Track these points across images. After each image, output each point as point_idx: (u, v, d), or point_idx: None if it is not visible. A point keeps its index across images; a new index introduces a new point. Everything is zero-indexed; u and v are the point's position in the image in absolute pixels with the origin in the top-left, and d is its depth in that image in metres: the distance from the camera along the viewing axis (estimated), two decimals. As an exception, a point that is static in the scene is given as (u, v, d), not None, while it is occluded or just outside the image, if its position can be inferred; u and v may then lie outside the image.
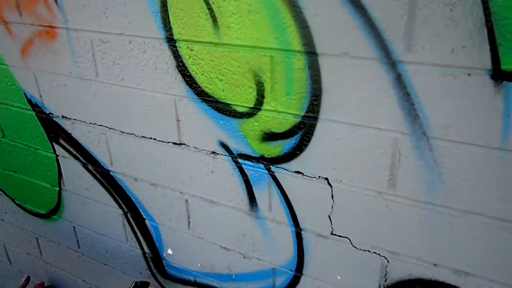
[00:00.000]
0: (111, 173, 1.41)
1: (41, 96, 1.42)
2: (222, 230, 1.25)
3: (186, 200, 1.28)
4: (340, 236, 1.04)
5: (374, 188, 0.94)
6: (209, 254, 1.32)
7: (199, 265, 1.38)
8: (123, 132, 1.29)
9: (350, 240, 1.03)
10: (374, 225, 0.98)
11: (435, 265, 0.94)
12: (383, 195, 0.93)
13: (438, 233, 0.90)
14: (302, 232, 1.10)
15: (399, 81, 0.81)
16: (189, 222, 1.31)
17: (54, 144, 1.52)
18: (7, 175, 1.77)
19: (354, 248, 1.04)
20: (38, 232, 1.86)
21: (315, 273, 1.13)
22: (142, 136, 1.26)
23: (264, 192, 1.11)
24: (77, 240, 1.72)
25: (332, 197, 1.01)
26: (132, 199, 1.41)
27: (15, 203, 1.85)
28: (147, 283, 1.48)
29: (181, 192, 1.28)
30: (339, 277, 1.10)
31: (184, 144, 1.19)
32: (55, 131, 1.48)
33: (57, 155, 1.54)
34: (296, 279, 1.18)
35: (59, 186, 1.61)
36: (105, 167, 1.42)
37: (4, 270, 2.22)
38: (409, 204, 0.91)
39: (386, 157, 0.89)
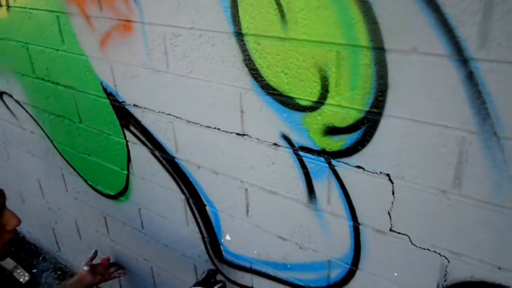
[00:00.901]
0: (176, 160, 1.49)
1: (115, 85, 1.53)
2: (280, 220, 1.29)
3: (246, 189, 1.32)
4: (399, 233, 1.04)
5: (438, 186, 0.93)
6: (265, 243, 1.37)
7: (255, 252, 1.42)
8: (189, 122, 1.36)
9: (409, 238, 1.03)
10: (436, 224, 0.97)
11: (499, 268, 0.91)
12: (447, 194, 0.92)
13: (504, 236, 0.88)
14: (360, 227, 1.11)
15: (471, 79, 0.79)
16: (247, 210, 1.36)
17: (125, 131, 1.63)
18: (82, 157, 1.92)
19: (413, 246, 1.03)
20: (107, 212, 2.00)
21: (371, 268, 1.14)
22: (207, 126, 1.32)
23: (324, 185, 1.13)
24: (141, 222, 1.84)
25: (393, 193, 1.01)
26: (195, 185, 1.48)
27: (88, 184, 2.00)
28: (217, 271, 1.54)
29: (241, 181, 1.32)
30: (395, 274, 1.10)
31: (247, 135, 1.23)
32: (126, 118, 1.58)
33: (127, 141, 1.65)
34: (351, 273, 1.19)
35: (128, 170, 1.73)
36: (170, 154, 1.50)
37: (75, 245, 2.41)
38: (474, 205, 0.89)
39: (452, 155, 0.88)
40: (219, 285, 1.46)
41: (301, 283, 1.34)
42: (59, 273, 2.55)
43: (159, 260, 1.87)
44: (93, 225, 2.17)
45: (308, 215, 1.20)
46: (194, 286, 1.42)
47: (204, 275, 1.49)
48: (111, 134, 1.70)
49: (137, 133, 1.58)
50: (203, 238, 1.59)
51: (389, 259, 1.09)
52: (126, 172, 1.75)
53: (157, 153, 1.55)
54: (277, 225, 1.30)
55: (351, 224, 1.12)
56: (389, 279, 1.12)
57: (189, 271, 1.74)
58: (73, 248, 2.46)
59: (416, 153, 0.93)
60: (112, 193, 1.87)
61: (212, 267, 1.54)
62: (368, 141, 1.00)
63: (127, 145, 1.66)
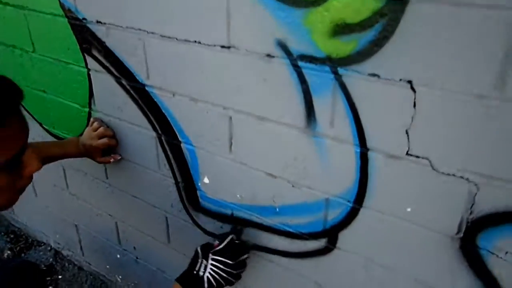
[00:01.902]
0: (147, 88, 1.26)
1: (74, -2, 1.28)
2: (269, 154, 1.08)
3: (230, 118, 1.11)
4: (417, 157, 0.86)
5: (474, 91, 0.74)
6: (251, 183, 1.16)
7: (238, 196, 1.22)
8: (163, 36, 1.13)
9: (430, 162, 0.85)
10: (466, 141, 0.79)
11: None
12: (486, 99, 0.74)
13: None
14: (369, 153, 0.92)
15: None
16: (230, 144, 1.15)
17: (87, 57, 1.38)
18: (36, 96, 1.66)
19: (434, 171, 0.85)
20: (65, 161, 1.75)
21: (379, 204, 0.96)
22: (185, 40, 1.10)
23: (327, 103, 0.93)
24: (105, 169, 1.60)
25: (414, 105, 0.82)
26: (168, 118, 1.26)
27: (43, 127, 1.74)
28: (241, 230, 1.28)
29: (224, 108, 1.11)
30: (409, 209, 0.92)
31: (233, 47, 1.02)
32: (88, 40, 1.34)
33: (88, 70, 1.40)
34: (353, 213, 1.01)
35: (89, 106, 1.48)
36: (140, 81, 1.27)
37: (30, 205, 2.15)
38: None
39: (496, 46, 0.69)
40: (244, 256, 1.19)
41: (290, 229, 1.15)
42: (11, 236, 2.28)
43: (125, 214, 1.65)
44: (50, 179, 1.91)
45: (305, 144, 1.01)
46: (213, 253, 1.14)
47: (226, 242, 1.19)
48: (70, 62, 1.45)
49: (100, 58, 1.34)
50: (176, 183, 1.37)
51: (402, 192, 0.91)
52: (87, 109, 1.50)
53: (124, 82, 1.32)
54: (266, 160, 1.10)
55: (358, 150, 0.93)
56: (400, 216, 0.94)
57: (159, 224, 1.53)
58: (28, 208, 2.19)
59: (447, 50, 0.74)
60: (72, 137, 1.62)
61: (238, 227, 1.29)
62: (387, 39, 0.80)
63: (88, 75, 1.42)
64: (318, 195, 1.06)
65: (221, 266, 1.13)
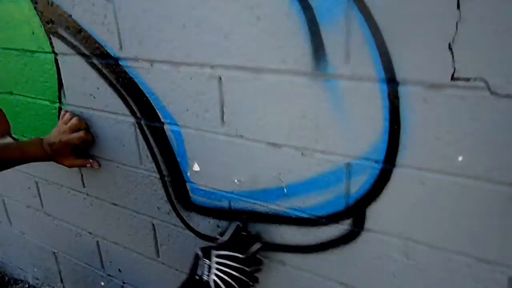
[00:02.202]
0: (121, 63, 1.05)
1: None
2: (271, 116, 0.86)
3: (219, 79, 0.90)
4: (467, 80, 0.63)
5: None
6: (250, 160, 0.93)
7: (235, 181, 0.98)
8: (134, -9, 0.93)
9: (486, 83, 0.62)
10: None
11: None
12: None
13: None
14: (399, 88, 0.70)
15: None
16: (222, 114, 0.93)
17: (52, 38, 1.18)
18: (3, 100, 1.44)
19: (493, 96, 0.62)
20: (38, 174, 1.51)
21: (418, 159, 0.73)
22: (160, -11, 0.89)
23: (339, 30, 0.72)
24: (82, 176, 1.36)
25: (458, 6, 0.60)
26: (148, 96, 1.04)
27: (12, 137, 1.51)
28: (247, 221, 1.04)
29: (212, 67, 0.90)
30: (460, 158, 0.68)
31: (217, -17, 0.81)
32: (52, 19, 1.14)
33: (56, 54, 1.20)
34: (384, 177, 0.77)
35: (59, 100, 1.27)
36: (113, 54, 1.06)
37: (6, 235, 1.88)
38: None
39: None
40: (255, 246, 0.96)
41: (303, 214, 0.90)
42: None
43: (106, 228, 1.40)
44: (23, 199, 1.66)
45: (315, 93, 0.79)
46: (216, 249, 0.91)
47: (230, 233, 0.99)
48: (35, 50, 1.24)
49: (67, 36, 1.14)
50: (162, 178, 1.13)
51: (448, 135, 0.69)
52: (57, 104, 1.28)
53: (95, 61, 1.11)
54: (266, 125, 0.88)
55: (385, 87, 0.71)
56: (449, 171, 0.70)
57: (145, 235, 1.27)
58: (3, 240, 1.92)
59: None
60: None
61: (239, 223, 1.05)
62: None
63: (56, 62, 1.22)
64: (336, 161, 0.82)
65: (230, 263, 0.88)
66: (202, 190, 1.08)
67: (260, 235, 0.99)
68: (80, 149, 1.24)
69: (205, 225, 1.12)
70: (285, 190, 0.92)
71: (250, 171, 0.96)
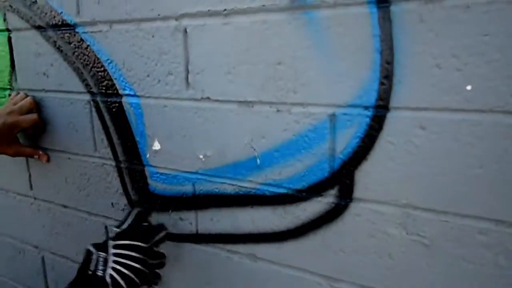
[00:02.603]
0: (77, 30, 0.93)
1: None
2: (241, 69, 0.72)
3: (185, 31, 0.78)
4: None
5: None
6: (218, 128, 0.78)
7: (201, 157, 0.82)
8: None
9: (495, -15, 0.51)
10: None
11: None
12: None
13: None
14: (392, 8, 0.58)
15: None
16: (187, 75, 0.80)
17: (7, 14, 1.06)
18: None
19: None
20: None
21: (417, 96, 0.60)
22: None
23: None
24: (29, 176, 1.17)
25: None
26: (105, 65, 0.91)
27: None
28: (149, 211, 0.92)
29: (176, 19, 0.78)
30: (469, 87, 0.55)
31: None
32: (8, -11, 1.03)
33: (10, 32, 1.07)
34: (376, 125, 0.64)
35: (10, 85, 1.12)
36: (69, 21, 0.94)
37: None
38: None
39: None
40: (160, 235, 0.86)
41: (281, 190, 0.75)
42: None
43: (54, 239, 1.19)
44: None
45: (292, 30, 0.68)
46: (113, 239, 0.79)
47: (130, 220, 0.88)
48: (-12, 29, 1.11)
49: (23, 9, 1.02)
50: (118, 166, 0.96)
51: (453, 59, 0.55)
52: (8, 91, 1.13)
53: (51, 33, 0.98)
54: (237, 80, 0.74)
55: (375, 10, 0.59)
56: (454, 107, 0.56)
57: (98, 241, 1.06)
58: None
59: None
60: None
61: (140, 209, 0.89)
62: None
63: (9, 41, 1.09)
64: (318, 114, 0.67)
65: (130, 253, 0.75)
66: (162, 174, 0.91)
67: (164, 224, 0.88)
68: (28, 136, 1.07)
69: (166, 220, 0.93)
70: (258, 161, 0.76)
71: (218, 142, 0.80)
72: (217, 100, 0.78)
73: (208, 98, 0.79)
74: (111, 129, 0.97)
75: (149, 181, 0.93)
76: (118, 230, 0.82)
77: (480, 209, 0.59)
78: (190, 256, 0.92)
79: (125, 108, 0.92)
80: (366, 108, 0.64)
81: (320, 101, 0.68)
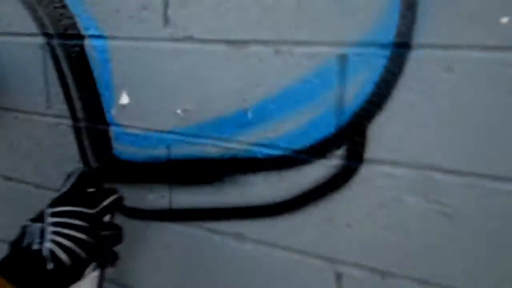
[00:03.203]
0: (32, -45, 0.92)
1: None
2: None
3: (165, -45, 0.77)
4: None
5: None
6: (201, 76, 0.79)
7: (179, 112, 0.83)
8: None
9: None
10: None
11: None
12: None
13: None
14: None
15: None
16: (166, 8, 0.80)
17: None
18: None
19: None
20: None
21: (443, 31, 0.61)
22: None
23: None
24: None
25: None
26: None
27: None
28: (99, 172, 0.94)
29: None
30: (505, 19, 0.56)
31: None
32: None
33: None
34: (395, 67, 0.64)
35: None
36: None
37: None
38: None
39: None
40: (110, 198, 0.81)
41: (277, 151, 0.76)
42: None
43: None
44: None
45: None
46: (50, 206, 0.78)
47: (71, 183, 0.84)
48: None
49: None
50: (75, 126, 0.97)
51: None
52: None
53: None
54: (228, 14, 0.76)
55: None
56: (488, 44, 0.57)
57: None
58: None
59: None
60: None
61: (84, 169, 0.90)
62: None
63: None
64: (324, 55, 0.68)
65: (72, 222, 0.73)
66: (130, 135, 0.91)
67: (115, 188, 0.84)
68: None
69: (133, 192, 0.93)
70: (249, 115, 0.77)
71: (201, 93, 0.81)
72: (201, 40, 0.79)
73: (190, 37, 0.80)
74: (69, 80, 0.97)
75: (114, 143, 0.94)
76: (57, 194, 0.80)
77: (515, 169, 0.60)
78: (161, 237, 0.92)
79: (87, 53, 0.92)
80: (383, 46, 0.65)
81: (328, 38, 0.68)
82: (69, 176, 0.86)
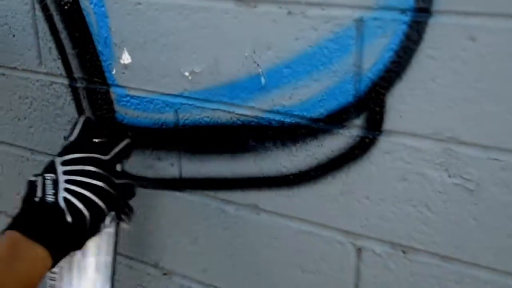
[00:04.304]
0: None
1: None
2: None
3: None
4: None
5: None
6: (210, 34, 0.96)
7: (186, 74, 1.00)
8: None
9: None
10: None
11: None
12: None
13: None
14: None
15: None
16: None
17: None
18: None
19: None
20: None
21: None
22: None
23: None
24: None
25: None
26: None
27: None
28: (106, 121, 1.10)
29: None
30: (529, -13, 0.70)
31: None
32: None
33: None
34: (415, 34, 0.79)
35: None
36: None
37: None
38: None
39: None
40: (121, 144, 0.97)
41: (292, 119, 0.93)
42: None
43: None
44: None
45: None
46: (60, 155, 0.91)
47: (78, 129, 0.98)
48: None
49: None
50: (72, 85, 1.16)
51: None
52: None
53: None
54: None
55: None
56: (509, 11, 0.72)
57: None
58: None
59: None
60: None
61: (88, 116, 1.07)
62: None
63: None
64: (341, 18, 0.84)
65: (85, 168, 0.87)
66: (134, 98, 1.09)
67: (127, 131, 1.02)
68: None
69: (138, 160, 1.12)
70: (262, 80, 0.93)
71: (210, 54, 0.97)
72: (209, -4, 0.94)
73: (197, -10, 0.95)
74: (63, 35, 1.14)
75: (116, 107, 1.12)
76: (65, 143, 0.93)
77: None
78: (171, 207, 1.12)
79: (82, 4, 1.09)
80: (402, 11, 0.80)
81: (345, 1, 0.83)
82: (74, 125, 0.98)
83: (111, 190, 0.87)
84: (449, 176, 0.83)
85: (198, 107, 1.02)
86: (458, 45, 0.77)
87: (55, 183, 0.84)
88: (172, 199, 1.11)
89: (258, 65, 0.93)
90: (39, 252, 0.78)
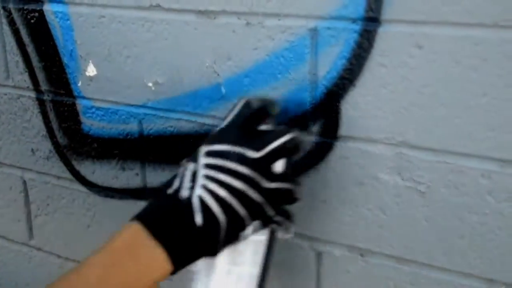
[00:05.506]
0: None
1: None
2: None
3: None
4: None
5: None
6: (171, 46, 0.98)
7: (150, 84, 1.02)
8: None
9: None
10: None
11: None
12: None
13: None
14: None
15: None
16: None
17: None
18: None
19: None
20: None
21: (412, 7, 0.78)
22: None
23: None
24: None
25: None
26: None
27: None
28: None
29: None
30: (469, -4, 0.74)
31: None
32: None
33: None
34: (365, 42, 0.83)
35: None
36: None
37: None
38: None
39: None
40: (281, 140, 0.74)
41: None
42: None
43: None
44: None
45: None
46: (206, 143, 0.77)
47: (234, 114, 0.81)
48: None
49: None
50: (39, 98, 1.17)
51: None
52: None
53: None
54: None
55: None
56: (458, 21, 0.75)
57: (12, 202, 1.28)
58: None
59: None
60: None
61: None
62: None
63: None
64: (296, 28, 0.87)
65: (231, 166, 0.72)
66: (99, 109, 1.11)
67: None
68: None
69: (104, 170, 1.14)
70: (223, 89, 0.96)
71: (172, 65, 1.00)
72: (170, 9, 0.97)
73: (158, 5, 0.98)
74: (29, 48, 1.16)
75: (82, 118, 1.14)
76: (215, 130, 0.80)
77: (483, 146, 0.79)
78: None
79: (48, 18, 1.11)
80: (353, 20, 0.83)
81: (299, 11, 0.87)
82: (234, 106, 0.83)
83: (254, 196, 0.71)
84: (402, 179, 0.86)
85: (161, 117, 1.04)
86: (406, 53, 0.80)
87: (194, 175, 0.73)
88: (138, 209, 1.12)
89: (218, 74, 0.96)
90: (157, 254, 0.69)
